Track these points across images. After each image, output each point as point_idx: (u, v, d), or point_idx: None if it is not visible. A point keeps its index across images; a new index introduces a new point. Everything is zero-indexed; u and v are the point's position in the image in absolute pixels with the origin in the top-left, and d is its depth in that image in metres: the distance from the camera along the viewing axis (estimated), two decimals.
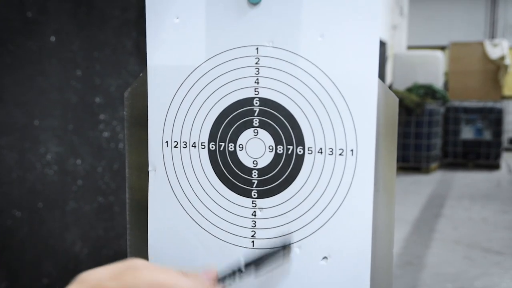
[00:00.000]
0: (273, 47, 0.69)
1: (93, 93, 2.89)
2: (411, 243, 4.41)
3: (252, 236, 0.72)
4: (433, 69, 8.68)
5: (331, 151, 0.69)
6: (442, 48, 11.20)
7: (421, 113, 7.61)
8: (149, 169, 0.74)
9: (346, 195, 0.69)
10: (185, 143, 0.73)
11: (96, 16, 2.88)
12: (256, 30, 0.69)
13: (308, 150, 0.70)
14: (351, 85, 0.67)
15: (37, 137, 2.54)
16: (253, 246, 0.72)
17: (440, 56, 8.83)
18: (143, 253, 0.76)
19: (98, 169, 2.93)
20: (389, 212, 0.69)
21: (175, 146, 0.73)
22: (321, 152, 0.69)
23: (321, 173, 0.69)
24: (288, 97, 0.69)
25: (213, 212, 0.73)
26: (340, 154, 0.68)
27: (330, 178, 0.69)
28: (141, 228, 0.77)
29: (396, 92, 7.76)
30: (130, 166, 0.75)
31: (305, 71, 0.68)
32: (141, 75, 0.73)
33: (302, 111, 0.69)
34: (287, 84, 0.69)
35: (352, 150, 0.68)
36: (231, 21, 0.70)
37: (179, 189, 0.74)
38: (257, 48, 0.69)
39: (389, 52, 9.53)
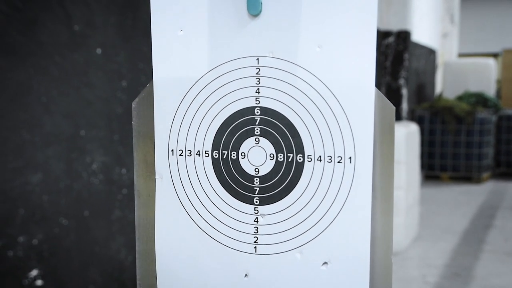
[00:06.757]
0: (273, 57, 0.71)
1: None
2: (459, 254, 4.32)
3: (255, 242, 0.74)
4: (484, 77, 8.51)
5: (330, 159, 0.70)
6: (495, 55, 10.96)
7: (471, 121, 7.46)
8: (156, 177, 0.77)
9: (345, 201, 0.70)
10: (189, 151, 0.75)
11: (141, 29, 2.95)
12: (256, 41, 0.71)
13: (308, 157, 0.71)
14: (349, 94, 0.68)
15: (84, 147, 2.61)
16: (255, 252, 0.74)
17: (492, 64, 8.64)
18: (150, 255, 0.79)
19: None
20: (387, 219, 0.70)
21: (180, 155, 0.76)
22: (320, 160, 0.70)
23: (320, 180, 0.70)
24: (288, 106, 0.71)
25: (216, 218, 0.75)
26: (338, 162, 0.70)
27: (329, 185, 0.70)
28: (149, 236, 0.79)
29: (445, 101, 7.62)
30: (138, 175, 0.78)
31: (304, 81, 0.70)
32: (147, 85, 0.76)
33: (302, 120, 0.70)
34: (286, 94, 0.71)
35: (350, 158, 0.69)
36: (232, 33, 0.72)
37: (184, 195, 0.76)
38: (257, 59, 0.71)
39: (440, 60, 9.40)
